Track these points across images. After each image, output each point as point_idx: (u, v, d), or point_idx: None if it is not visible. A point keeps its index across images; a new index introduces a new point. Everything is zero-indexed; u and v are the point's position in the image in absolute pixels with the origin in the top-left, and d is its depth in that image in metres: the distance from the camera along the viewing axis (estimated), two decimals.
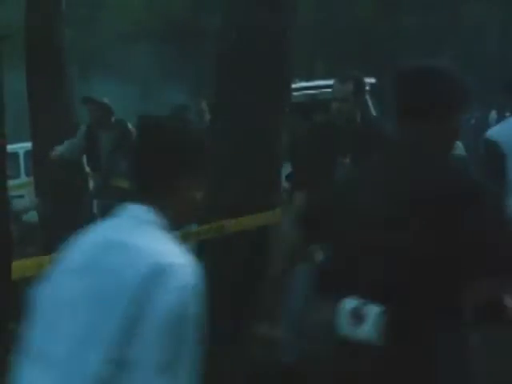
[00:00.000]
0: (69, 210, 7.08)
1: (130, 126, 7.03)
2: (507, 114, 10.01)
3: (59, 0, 7.82)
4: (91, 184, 7.68)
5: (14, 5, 10.26)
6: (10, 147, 7.25)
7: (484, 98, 13.21)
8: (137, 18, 18.48)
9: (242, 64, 4.85)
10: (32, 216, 9.22)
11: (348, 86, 4.34)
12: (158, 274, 1.68)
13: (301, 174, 4.52)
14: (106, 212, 7.26)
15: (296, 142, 4.79)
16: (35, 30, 7.66)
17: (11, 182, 7.10)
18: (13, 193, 7.62)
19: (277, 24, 4.83)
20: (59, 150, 6.93)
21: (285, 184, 4.96)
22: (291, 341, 4.45)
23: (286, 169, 5.09)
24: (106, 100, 7.02)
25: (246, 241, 4.79)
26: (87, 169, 7.51)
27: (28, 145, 7.98)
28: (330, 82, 9.81)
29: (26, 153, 9.83)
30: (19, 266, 3.55)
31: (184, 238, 4.82)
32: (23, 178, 11.43)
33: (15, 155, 11.37)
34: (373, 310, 2.05)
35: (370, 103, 8.18)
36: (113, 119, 7.00)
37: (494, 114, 11.19)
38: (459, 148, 5.25)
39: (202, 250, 4.60)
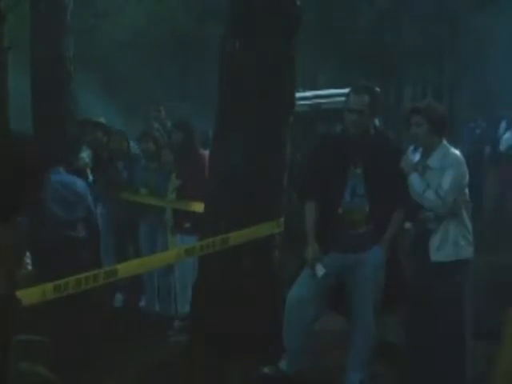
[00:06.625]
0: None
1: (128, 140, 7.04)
2: None
3: (64, 10, 7.84)
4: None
5: (19, 16, 10.30)
6: None
7: (491, 110, 13.29)
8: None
9: (244, 74, 4.86)
10: None
11: (364, 97, 4.27)
12: None
13: (312, 184, 4.47)
14: (110, 221, 7.13)
15: (309, 152, 4.72)
16: (40, 40, 7.69)
17: None
18: None
19: (280, 35, 4.85)
20: (83, 157, 6.96)
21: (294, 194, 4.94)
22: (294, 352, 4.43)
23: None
24: (102, 120, 7.02)
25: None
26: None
27: None
28: (333, 91, 9.83)
29: None
30: (23, 295, 3.57)
31: (188, 253, 4.83)
32: None
33: None
34: None
35: None
36: (109, 134, 6.99)
37: (504, 125, 11.29)
38: None
39: None
